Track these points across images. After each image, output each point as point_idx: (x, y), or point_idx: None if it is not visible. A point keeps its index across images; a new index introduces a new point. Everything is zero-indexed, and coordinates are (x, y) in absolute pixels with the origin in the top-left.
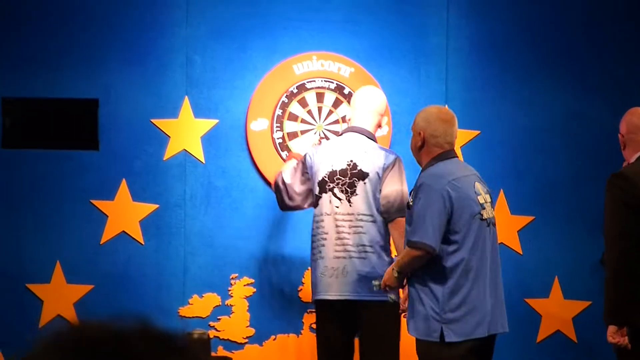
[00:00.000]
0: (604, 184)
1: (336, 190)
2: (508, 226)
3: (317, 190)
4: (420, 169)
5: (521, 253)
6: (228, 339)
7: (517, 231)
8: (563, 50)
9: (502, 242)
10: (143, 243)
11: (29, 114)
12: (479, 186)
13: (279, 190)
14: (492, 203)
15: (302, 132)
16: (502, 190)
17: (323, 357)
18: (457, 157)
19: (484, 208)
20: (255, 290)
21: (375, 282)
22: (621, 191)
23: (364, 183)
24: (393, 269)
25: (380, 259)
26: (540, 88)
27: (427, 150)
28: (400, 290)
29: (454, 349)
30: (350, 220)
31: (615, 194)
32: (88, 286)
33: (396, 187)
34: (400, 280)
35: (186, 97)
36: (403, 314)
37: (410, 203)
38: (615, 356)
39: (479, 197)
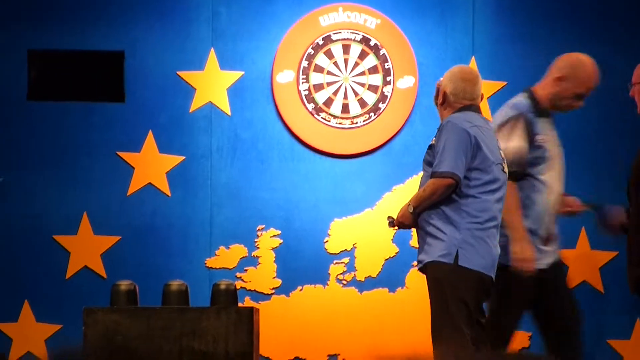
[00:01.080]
0: (630, 136)
1: None
2: None
3: None
4: None
5: None
6: (255, 290)
7: None
8: (588, 3)
9: None
10: (169, 195)
11: (55, 66)
12: (498, 143)
13: None
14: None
15: (328, 84)
16: None
17: None
18: (479, 112)
19: (504, 162)
20: (281, 241)
21: (389, 219)
22: None
23: None
24: (409, 206)
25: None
26: (567, 39)
27: (448, 105)
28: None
29: (465, 274)
30: None
31: None
32: (115, 237)
33: None
34: (415, 217)
35: (212, 49)
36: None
37: (433, 143)
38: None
39: (500, 152)
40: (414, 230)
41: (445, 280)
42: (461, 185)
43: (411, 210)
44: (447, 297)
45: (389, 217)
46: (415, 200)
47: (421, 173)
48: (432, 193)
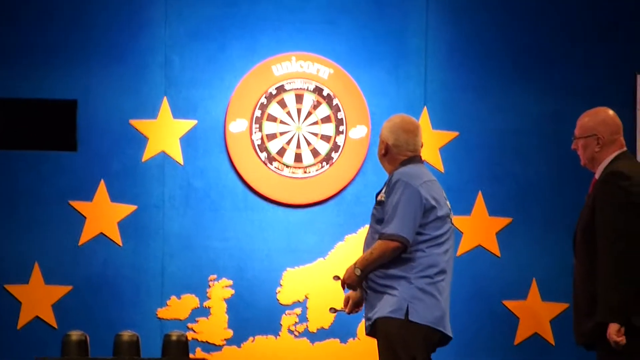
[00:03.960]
0: (582, 185)
1: None
2: (486, 228)
3: None
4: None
5: (499, 255)
6: (206, 341)
7: (495, 233)
8: (541, 53)
9: (479, 244)
10: (121, 244)
11: (6, 114)
12: (444, 193)
13: None
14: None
15: (281, 134)
16: (480, 192)
17: None
18: (422, 162)
19: (451, 212)
20: (233, 292)
21: (335, 279)
22: (624, 190)
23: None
24: (355, 268)
25: None
26: (519, 90)
27: (391, 157)
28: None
29: (415, 329)
30: None
31: (616, 193)
32: (66, 287)
33: None
34: (361, 279)
35: (165, 98)
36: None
37: (382, 199)
38: (590, 357)
39: (447, 202)
40: None
41: (396, 336)
42: (413, 244)
43: (358, 273)
44: (398, 352)
45: (335, 277)
46: (361, 263)
47: None
48: (380, 256)
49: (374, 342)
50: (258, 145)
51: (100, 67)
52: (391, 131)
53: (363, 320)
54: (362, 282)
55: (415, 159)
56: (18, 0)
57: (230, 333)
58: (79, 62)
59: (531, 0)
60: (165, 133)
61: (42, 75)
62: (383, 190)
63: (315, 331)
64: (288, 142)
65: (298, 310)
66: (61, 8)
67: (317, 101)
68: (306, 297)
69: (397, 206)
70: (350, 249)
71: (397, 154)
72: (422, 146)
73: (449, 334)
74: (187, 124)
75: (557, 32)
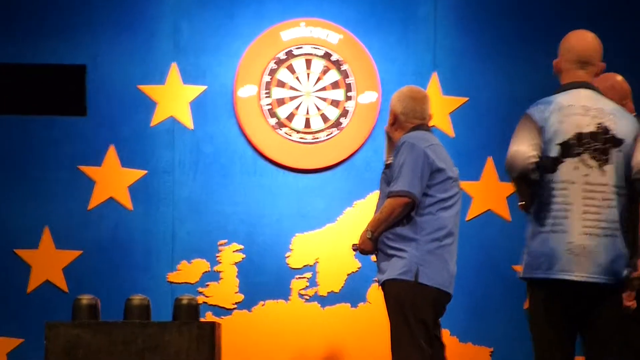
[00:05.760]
0: None
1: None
2: (497, 193)
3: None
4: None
5: (509, 220)
6: (217, 305)
7: (506, 197)
8: (550, 20)
9: (490, 209)
10: (131, 209)
11: (16, 79)
12: (451, 159)
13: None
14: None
15: (291, 99)
16: (490, 158)
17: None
18: (430, 131)
19: (458, 178)
20: (244, 256)
21: (354, 247)
22: None
23: (619, 151)
24: (367, 231)
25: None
26: (528, 56)
27: (399, 125)
28: None
29: (424, 291)
30: (603, 192)
31: None
32: (76, 252)
33: None
34: (374, 242)
35: (174, 64)
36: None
37: (389, 162)
38: None
39: (454, 168)
40: None
41: (405, 298)
42: (420, 203)
43: (369, 236)
44: (407, 314)
45: (353, 246)
46: (372, 225)
47: None
48: (390, 213)
49: (384, 306)
50: (267, 110)
51: (109, 32)
52: (399, 100)
53: (373, 284)
54: (376, 245)
55: (422, 126)
56: None
57: (240, 297)
58: (88, 27)
59: None
60: (174, 98)
61: (51, 40)
62: (391, 155)
63: (325, 295)
64: (297, 108)
65: (308, 275)
66: None
67: (326, 66)
68: (316, 262)
69: (403, 165)
70: (359, 214)
71: (404, 121)
72: (431, 118)
73: (451, 293)
74: (197, 90)
75: (568, 1)
